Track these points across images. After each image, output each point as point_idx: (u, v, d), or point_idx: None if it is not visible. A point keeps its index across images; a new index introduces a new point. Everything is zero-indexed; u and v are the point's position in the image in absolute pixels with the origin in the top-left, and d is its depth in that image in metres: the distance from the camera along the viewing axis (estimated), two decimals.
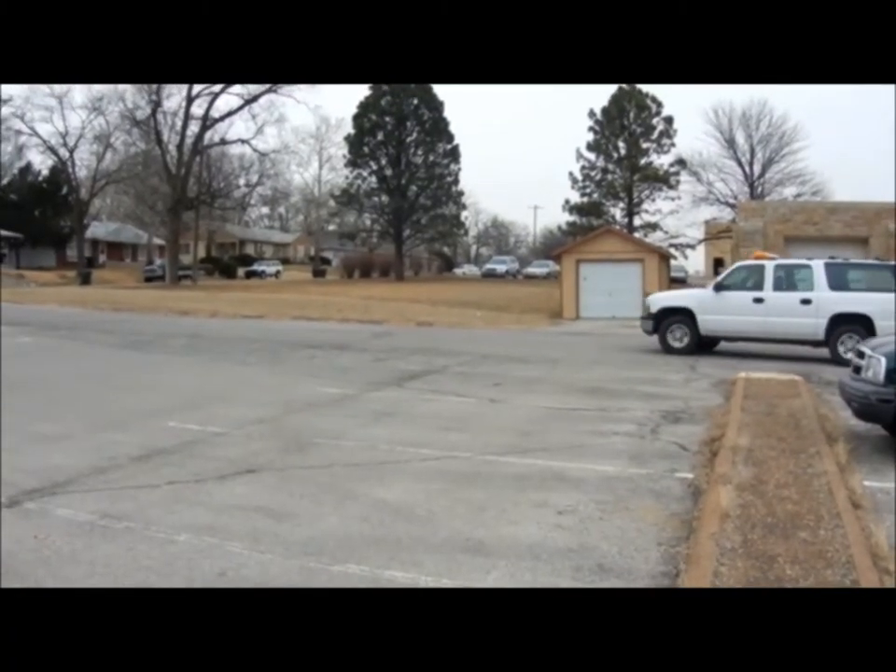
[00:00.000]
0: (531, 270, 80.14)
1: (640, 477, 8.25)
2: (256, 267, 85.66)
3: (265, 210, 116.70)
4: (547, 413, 11.91)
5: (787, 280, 20.42)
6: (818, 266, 20.07)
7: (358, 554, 6.02)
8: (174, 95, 69.20)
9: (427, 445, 9.57)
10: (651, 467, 8.65)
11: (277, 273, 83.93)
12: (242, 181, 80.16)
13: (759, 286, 20.34)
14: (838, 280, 19.81)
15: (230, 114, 69.54)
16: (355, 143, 75.69)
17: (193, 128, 69.43)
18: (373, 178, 76.05)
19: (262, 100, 69.54)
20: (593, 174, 74.67)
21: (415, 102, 75.06)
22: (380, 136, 75.48)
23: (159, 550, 6.14)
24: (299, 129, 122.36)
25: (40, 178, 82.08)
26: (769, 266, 20.68)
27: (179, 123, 69.43)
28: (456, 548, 6.19)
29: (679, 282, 42.07)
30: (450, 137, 76.42)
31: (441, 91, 74.79)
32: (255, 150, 72.81)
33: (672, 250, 63.56)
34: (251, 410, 11.88)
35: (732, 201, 69.74)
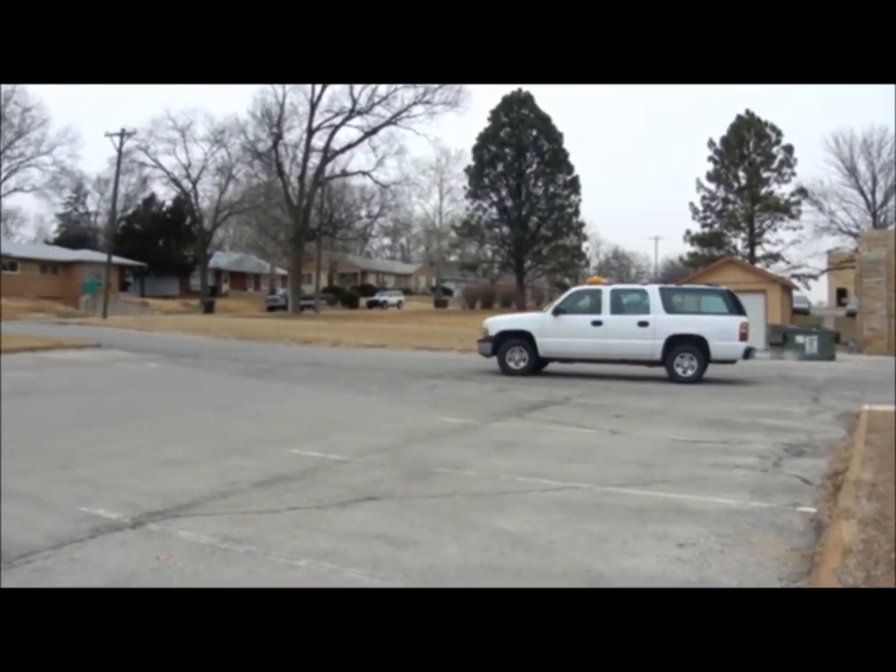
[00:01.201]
0: None
1: (762, 510, 8.10)
2: (378, 297, 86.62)
3: (387, 241, 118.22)
4: (668, 444, 11.78)
5: (624, 304, 21.71)
6: (653, 290, 21.69)
7: (477, 583, 6.01)
8: (294, 128, 70.71)
9: (547, 476, 9.54)
10: (773, 500, 8.49)
11: (399, 304, 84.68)
12: (363, 212, 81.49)
13: (596, 309, 21.54)
14: (672, 304, 21.43)
15: (350, 146, 70.88)
16: (475, 174, 76.40)
17: (314, 160, 70.92)
18: (494, 209, 76.68)
19: (382, 132, 70.80)
20: (713, 204, 74.21)
21: (534, 133, 75.44)
22: (500, 167, 76.06)
23: (279, 574, 6.22)
24: (419, 160, 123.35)
25: (164, 209, 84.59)
26: (606, 290, 21.92)
27: (300, 155, 70.98)
28: (576, 579, 6.14)
29: (801, 313, 41.25)
30: (570, 168, 76.65)
31: (559, 122, 75.10)
32: (376, 182, 74.01)
33: (794, 281, 62.57)
34: (373, 438, 12.01)
35: (854, 230, 68.49)
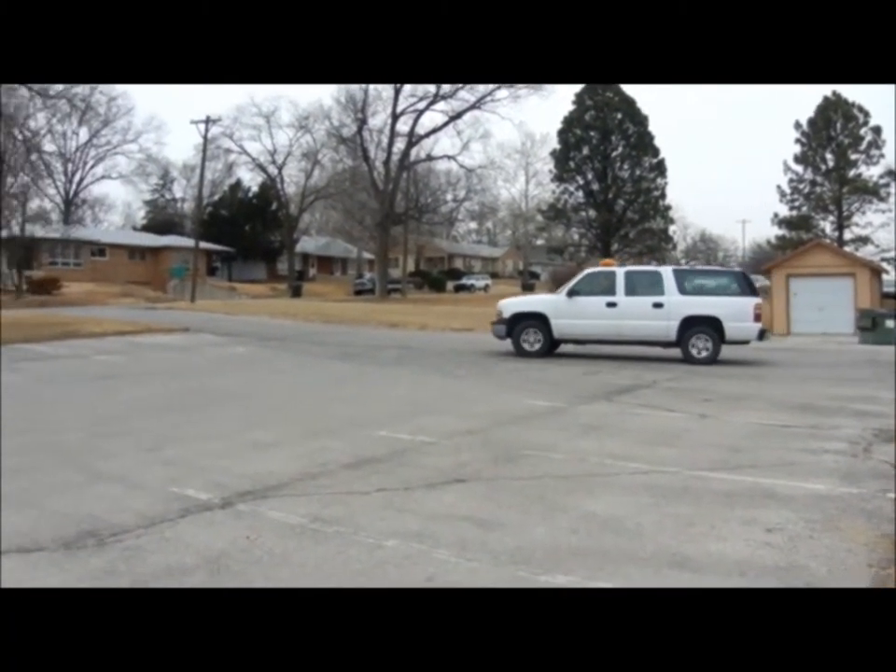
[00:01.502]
0: None
1: (851, 496, 7.95)
2: (465, 281, 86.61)
3: (473, 225, 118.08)
4: (756, 429, 11.62)
5: (638, 285, 21.84)
6: (667, 272, 22.03)
7: (566, 565, 6.02)
8: (379, 113, 70.93)
9: (635, 459, 9.49)
10: (863, 486, 8.32)
11: (486, 287, 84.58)
12: (449, 196, 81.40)
13: (611, 291, 21.72)
14: (687, 285, 21.57)
15: (435, 130, 70.80)
16: (560, 158, 76.13)
17: (399, 145, 70.97)
18: (580, 193, 76.37)
19: (467, 116, 70.56)
20: (801, 186, 73.00)
21: (619, 116, 74.88)
22: (585, 151, 75.71)
23: (368, 554, 6.27)
24: (504, 144, 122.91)
25: (250, 195, 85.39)
26: (620, 272, 22.22)
27: (385, 140, 71.06)
28: (664, 562, 6.13)
29: (891, 297, 40.48)
30: (655, 151, 76.04)
31: (644, 105, 74.59)
32: (461, 166, 73.81)
33: (884, 264, 61.11)
34: (460, 421, 12.01)
35: None
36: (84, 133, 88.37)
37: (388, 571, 5.93)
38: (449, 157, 73.19)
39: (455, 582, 5.68)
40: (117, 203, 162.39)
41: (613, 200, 75.54)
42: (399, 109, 70.24)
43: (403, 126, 70.74)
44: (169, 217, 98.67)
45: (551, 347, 22.13)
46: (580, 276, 23.24)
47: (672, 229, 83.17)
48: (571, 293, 21.96)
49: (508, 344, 22.27)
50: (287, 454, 9.72)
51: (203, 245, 66.55)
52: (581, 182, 76.70)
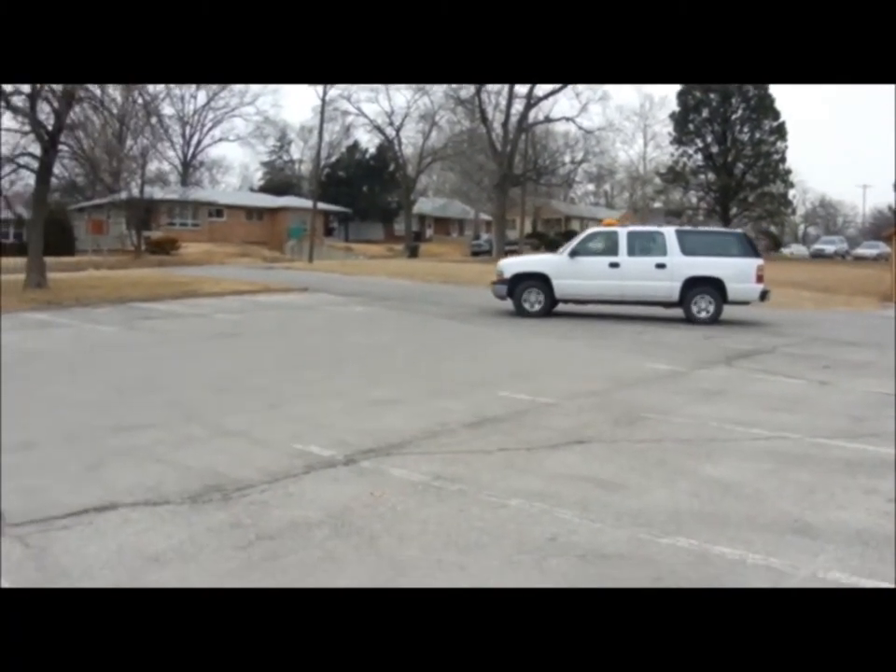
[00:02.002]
0: (860, 251, 76.72)
1: None
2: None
3: (590, 187, 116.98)
4: (878, 398, 11.38)
5: (640, 246, 21.82)
6: (669, 233, 21.96)
7: (687, 529, 6.04)
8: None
9: (756, 425, 9.41)
10: None
11: None
12: (567, 158, 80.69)
13: (613, 251, 21.63)
14: (689, 246, 21.52)
15: (553, 92, 70.01)
16: (680, 120, 74.91)
17: (518, 106, 70.42)
18: (699, 156, 75.02)
19: None
20: None
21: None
22: (705, 113, 74.29)
23: (490, 513, 6.32)
24: (623, 106, 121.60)
25: (367, 156, 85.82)
26: (622, 232, 22.09)
27: (503, 102, 70.60)
28: (785, 529, 6.11)
29: None
30: (776, 114, 74.24)
31: None
32: (580, 128, 73.06)
33: None
34: (580, 383, 11.99)
35: None
36: (202, 97, 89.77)
37: (510, 530, 5.99)
38: (567, 118, 72.62)
39: (578, 543, 5.74)
40: (234, 165, 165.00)
41: (732, 163, 74.09)
42: None
43: (521, 88, 70.21)
44: (286, 178, 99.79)
45: (551, 307, 22.08)
46: (581, 236, 23.28)
47: (792, 193, 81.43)
48: (573, 253, 21.86)
49: (626, 307, 22.08)
50: (408, 412, 9.82)
51: (321, 205, 67.05)
52: (700, 145, 75.37)
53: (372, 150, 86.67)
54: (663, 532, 5.94)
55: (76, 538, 5.81)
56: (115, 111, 31.30)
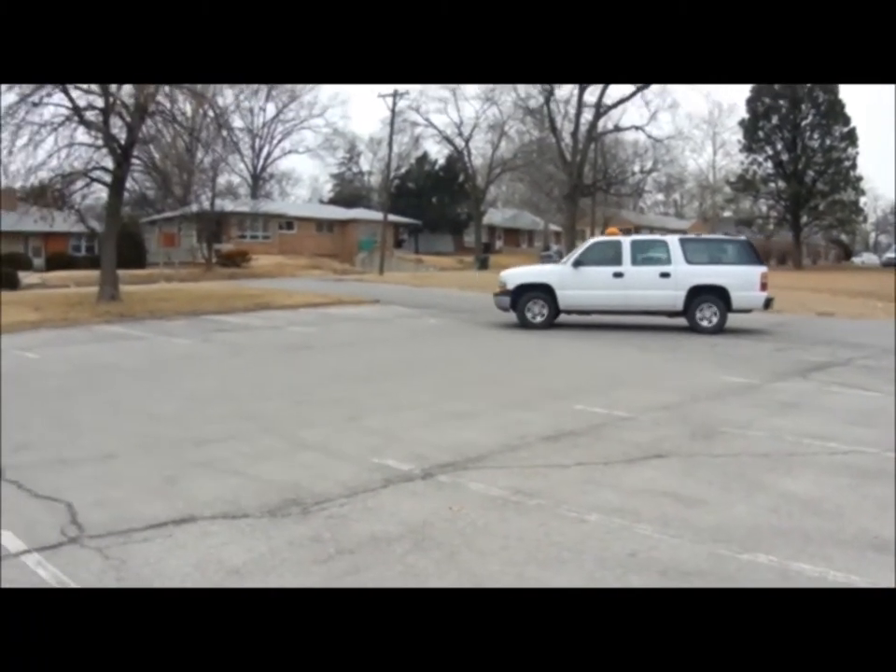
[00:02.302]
0: None
1: None
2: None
3: (660, 196, 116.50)
4: None
5: (644, 255, 21.86)
6: (673, 241, 22.04)
7: (767, 544, 6.00)
8: (565, 84, 70.32)
9: (833, 439, 9.29)
10: None
11: None
12: (636, 167, 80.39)
13: (617, 261, 21.58)
14: (693, 254, 21.54)
15: (622, 101, 69.63)
16: (749, 127, 74.25)
17: (587, 115, 70.18)
18: (769, 163, 74.27)
19: (654, 86, 69.20)
20: None
21: (808, 84, 72.41)
22: (774, 120, 73.54)
23: (570, 528, 6.31)
24: (692, 115, 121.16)
25: (437, 167, 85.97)
26: (626, 242, 22.11)
27: (572, 111, 70.34)
28: (865, 545, 6.03)
29: None
30: (846, 119, 73.26)
31: None
32: (649, 137, 72.59)
33: None
34: (655, 395, 11.92)
35: None
36: (271, 109, 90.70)
37: (590, 545, 5.97)
38: (637, 127, 72.06)
39: (658, 559, 5.71)
40: (304, 177, 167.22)
41: (803, 171, 73.19)
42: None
43: (590, 96, 69.84)
44: (356, 190, 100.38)
45: (554, 318, 22.00)
46: (584, 246, 23.12)
47: (863, 200, 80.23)
48: (577, 263, 21.76)
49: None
50: (485, 425, 9.81)
51: (391, 217, 67.34)
52: (770, 152, 74.58)
53: (442, 161, 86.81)
54: (742, 548, 5.91)
55: (156, 550, 5.88)
56: (185, 124, 31.61)
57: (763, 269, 21.65)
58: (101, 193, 35.08)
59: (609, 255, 21.77)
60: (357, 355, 17.06)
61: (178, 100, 31.09)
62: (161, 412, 10.76)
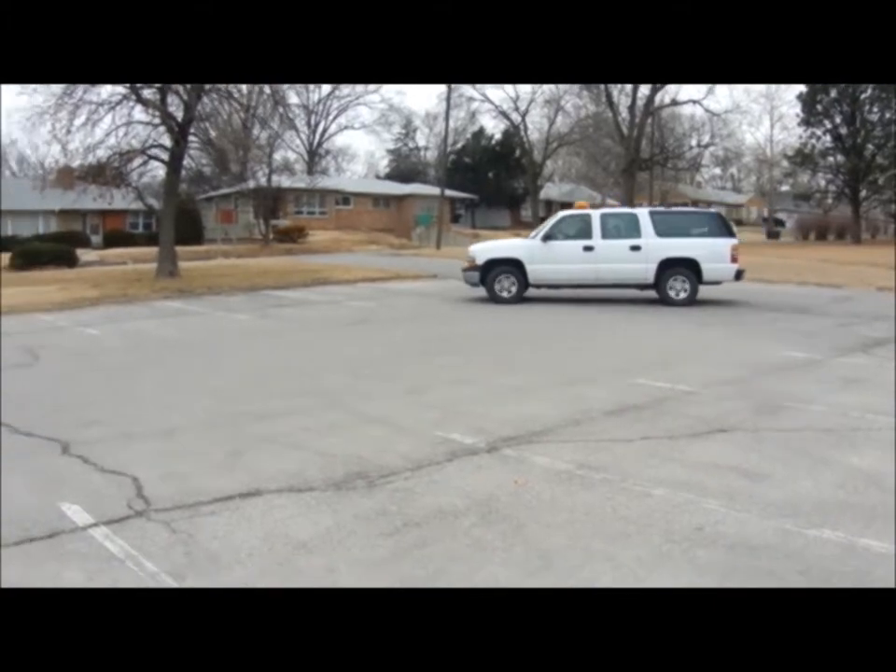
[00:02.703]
0: None
1: None
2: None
3: (717, 171, 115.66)
4: None
5: (614, 228, 21.73)
6: (643, 214, 21.91)
7: (833, 520, 5.96)
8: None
9: None
10: None
11: None
12: (693, 142, 79.72)
13: (587, 234, 21.53)
14: (663, 227, 21.45)
15: None
16: (807, 101, 73.12)
17: (644, 89, 69.66)
18: (827, 137, 73.14)
19: None
20: None
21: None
22: (833, 93, 72.34)
23: (636, 502, 6.29)
24: (749, 88, 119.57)
25: (493, 142, 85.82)
26: (595, 215, 22.02)
27: (629, 85, 69.90)
28: None
29: None
30: None
31: None
32: (706, 111, 71.90)
33: None
34: (718, 370, 11.82)
35: None
36: (326, 86, 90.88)
37: (656, 519, 5.96)
38: (694, 101, 71.47)
39: (725, 533, 5.69)
40: (360, 153, 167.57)
41: (862, 144, 72.02)
42: None
43: None
44: (412, 165, 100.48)
45: (522, 292, 21.92)
46: (554, 219, 22.95)
47: None
48: (546, 237, 21.69)
49: (758, 293, 21.72)
50: (546, 399, 9.79)
51: (447, 192, 67.32)
52: (829, 126, 73.45)
53: (498, 136, 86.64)
54: (809, 523, 5.87)
55: (223, 524, 5.94)
56: (242, 101, 31.77)
57: (733, 241, 21.70)
58: (158, 171, 35.54)
59: (579, 228, 21.77)
60: (415, 329, 17.11)
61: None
62: (223, 386, 10.86)
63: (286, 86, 34.66)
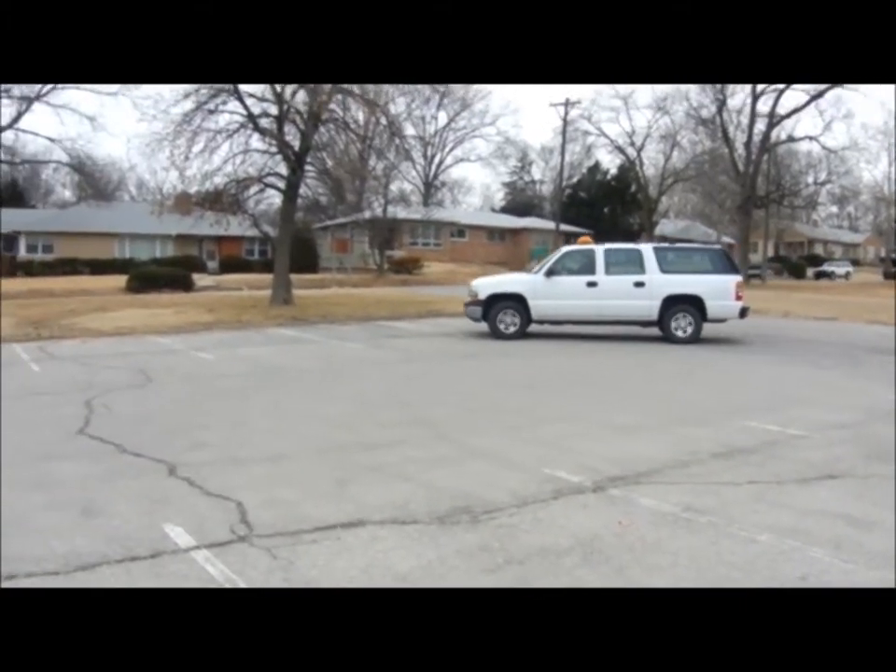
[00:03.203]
0: None
1: None
2: (825, 267, 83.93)
3: (834, 209, 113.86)
4: None
5: (617, 264, 21.48)
6: (647, 250, 21.78)
7: None
8: (738, 93, 69.09)
9: None
10: None
11: (847, 275, 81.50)
12: (810, 179, 78.52)
13: (590, 270, 21.37)
14: (667, 263, 21.32)
15: (796, 111, 68.05)
16: None
17: (759, 125, 68.87)
18: None
19: (829, 95, 67.16)
20: None
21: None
22: None
23: (741, 547, 6.19)
24: (867, 124, 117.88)
25: (608, 177, 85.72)
26: (599, 250, 21.71)
27: (745, 121, 69.14)
28: None
29: None
30: None
31: None
32: (823, 147, 70.78)
33: None
34: (831, 413, 11.58)
35: None
36: (442, 118, 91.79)
37: (761, 566, 5.85)
38: (811, 137, 70.45)
39: (829, 583, 5.55)
40: (475, 185, 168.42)
41: None
42: (759, 89, 68.25)
43: (763, 106, 68.56)
44: (528, 198, 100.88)
45: (526, 328, 21.68)
46: (557, 255, 22.58)
47: None
48: (550, 273, 21.48)
49: (874, 334, 21.22)
50: (654, 439, 9.71)
51: (562, 226, 67.38)
52: None
53: (613, 171, 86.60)
54: None
55: (324, 552, 5.99)
56: (358, 132, 32.20)
57: (737, 278, 21.54)
58: (275, 199, 36.15)
59: (583, 264, 21.56)
60: (524, 364, 17.09)
61: (351, 108, 31.68)
62: (333, 415, 10.97)
63: (402, 117, 35.11)
